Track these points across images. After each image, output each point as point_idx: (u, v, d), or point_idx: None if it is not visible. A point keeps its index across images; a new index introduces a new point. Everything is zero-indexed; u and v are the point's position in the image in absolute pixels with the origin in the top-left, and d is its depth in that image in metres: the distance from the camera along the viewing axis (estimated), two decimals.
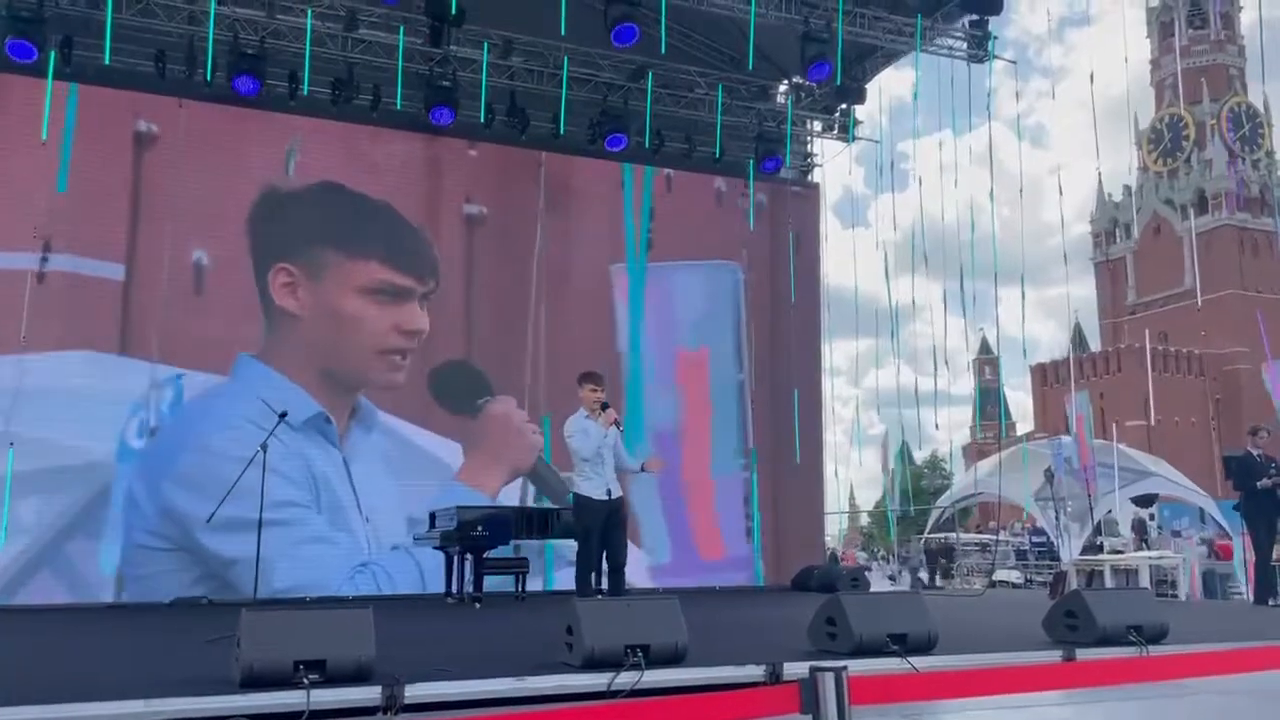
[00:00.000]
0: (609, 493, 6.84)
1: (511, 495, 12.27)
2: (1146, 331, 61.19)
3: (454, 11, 11.41)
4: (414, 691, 3.74)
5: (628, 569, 7.12)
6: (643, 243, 13.70)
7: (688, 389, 13.53)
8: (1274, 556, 10.16)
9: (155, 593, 10.53)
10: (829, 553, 26.75)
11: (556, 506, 10.97)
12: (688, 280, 13.85)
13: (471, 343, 12.68)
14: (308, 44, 11.68)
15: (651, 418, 13.03)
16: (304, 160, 12.21)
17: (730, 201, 14.42)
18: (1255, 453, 10.01)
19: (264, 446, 8.69)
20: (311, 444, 11.41)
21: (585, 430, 6.83)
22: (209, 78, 11.49)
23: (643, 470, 7.27)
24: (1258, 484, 9.76)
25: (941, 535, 26.53)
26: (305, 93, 11.90)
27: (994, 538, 27.77)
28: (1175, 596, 12.95)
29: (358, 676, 3.84)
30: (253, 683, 3.71)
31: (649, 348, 13.41)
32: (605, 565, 7.07)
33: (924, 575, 22.90)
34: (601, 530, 6.88)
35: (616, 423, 6.89)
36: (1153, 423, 47.45)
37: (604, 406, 6.89)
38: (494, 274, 12.88)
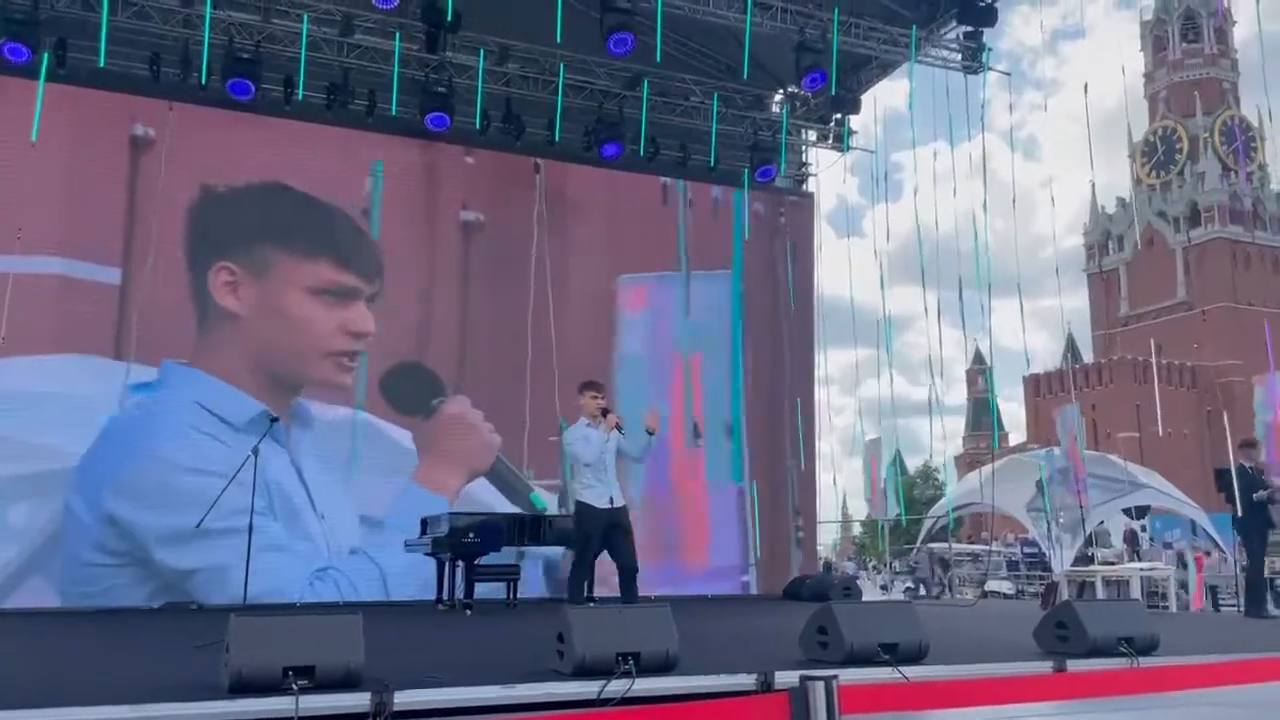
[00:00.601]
0: (611, 500, 6.86)
1: (476, 494, 12.09)
2: (1152, 341, 61.24)
3: (450, 18, 11.41)
4: (403, 698, 3.72)
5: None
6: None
7: (681, 396, 13.53)
8: (1266, 569, 10.20)
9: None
10: (823, 562, 26.67)
11: (551, 513, 10.98)
12: (684, 289, 13.85)
13: (466, 346, 12.65)
14: (303, 49, 11.68)
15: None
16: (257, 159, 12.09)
17: (725, 210, 14.44)
18: (1248, 465, 10.03)
19: (255, 451, 8.66)
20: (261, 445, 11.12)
21: (586, 437, 6.88)
22: (204, 81, 11.49)
23: (650, 435, 7.09)
24: (1254, 496, 9.78)
25: (944, 545, 26.26)
26: (300, 97, 11.90)
27: (986, 548, 27.79)
28: (1166, 608, 12.96)
29: (347, 683, 3.82)
30: (241, 688, 3.69)
31: (645, 354, 13.42)
32: (610, 574, 7.04)
33: (936, 585, 22.25)
34: (604, 537, 6.89)
35: (619, 426, 6.90)
36: (1162, 433, 47.55)
37: (604, 413, 6.91)
38: (491, 280, 12.88)
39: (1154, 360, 57.39)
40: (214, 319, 11.44)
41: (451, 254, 12.86)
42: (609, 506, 6.84)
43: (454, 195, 12.98)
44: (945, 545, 24.83)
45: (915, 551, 26.44)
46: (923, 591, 21.34)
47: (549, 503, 12.37)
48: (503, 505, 11.98)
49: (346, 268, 12.03)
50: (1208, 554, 18.50)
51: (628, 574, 6.88)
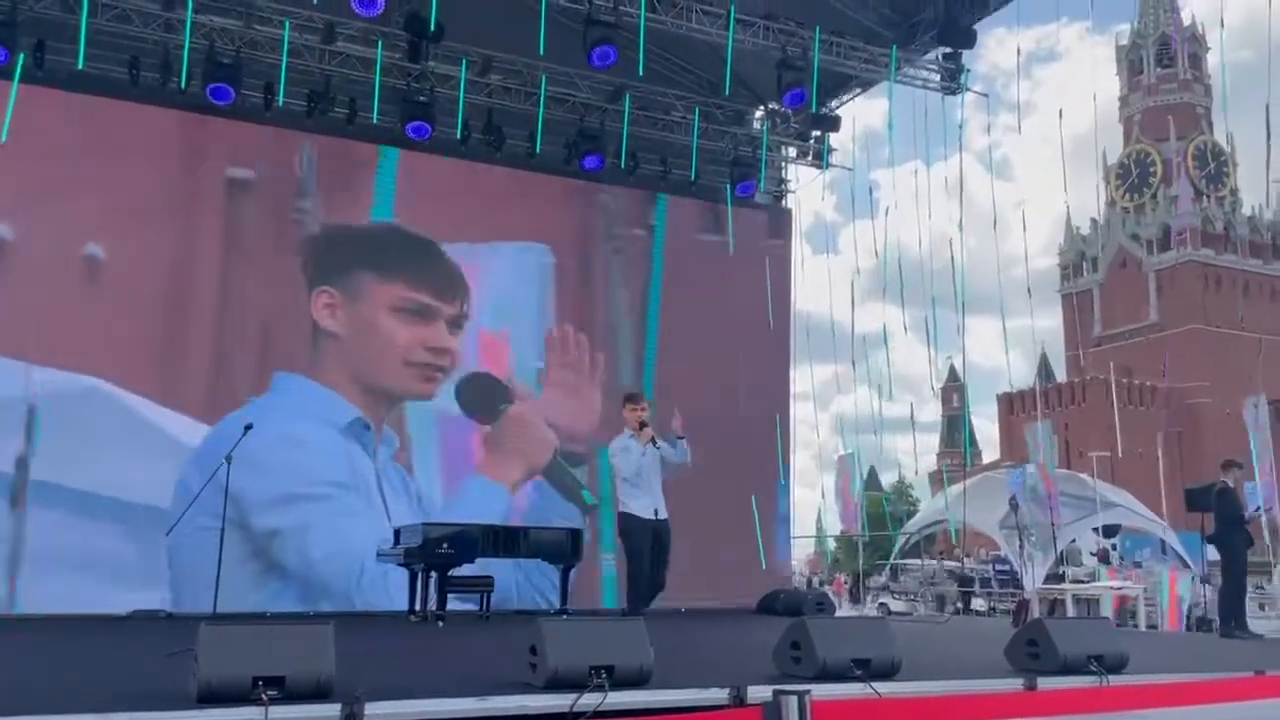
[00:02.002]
0: (655, 512, 6.71)
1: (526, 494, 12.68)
2: (1111, 364, 61.95)
3: (433, 28, 11.42)
4: (374, 710, 3.69)
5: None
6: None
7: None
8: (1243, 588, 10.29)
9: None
10: (807, 580, 26.57)
11: (529, 525, 10.97)
12: (492, 262, 13.28)
13: None
14: (284, 55, 11.64)
15: (443, 402, 12.64)
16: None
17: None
18: (1231, 485, 10.13)
19: (228, 458, 8.60)
20: (352, 443, 11.96)
21: (626, 449, 6.74)
22: (184, 86, 11.43)
23: (680, 439, 7.00)
24: (1245, 515, 9.88)
25: (957, 563, 25.76)
26: (281, 104, 11.86)
27: (958, 564, 27.93)
28: (1136, 626, 13.07)
29: (317, 694, 3.78)
30: (210, 698, 3.65)
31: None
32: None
33: (952, 603, 21.40)
34: (651, 547, 6.74)
35: (654, 440, 6.78)
36: (1123, 453, 47.96)
37: (642, 425, 6.76)
38: None
39: (1112, 380, 57.82)
40: (319, 338, 12.30)
41: None
42: (653, 518, 6.69)
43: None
44: (958, 564, 24.31)
45: (935, 565, 25.79)
46: (939, 609, 20.51)
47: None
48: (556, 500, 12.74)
49: (422, 289, 12.69)
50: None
51: (650, 588, 6.81)
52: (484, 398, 12.82)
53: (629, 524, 6.73)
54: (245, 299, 11.93)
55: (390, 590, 10.80)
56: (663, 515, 6.75)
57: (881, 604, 24.15)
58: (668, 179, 14.26)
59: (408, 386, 12.46)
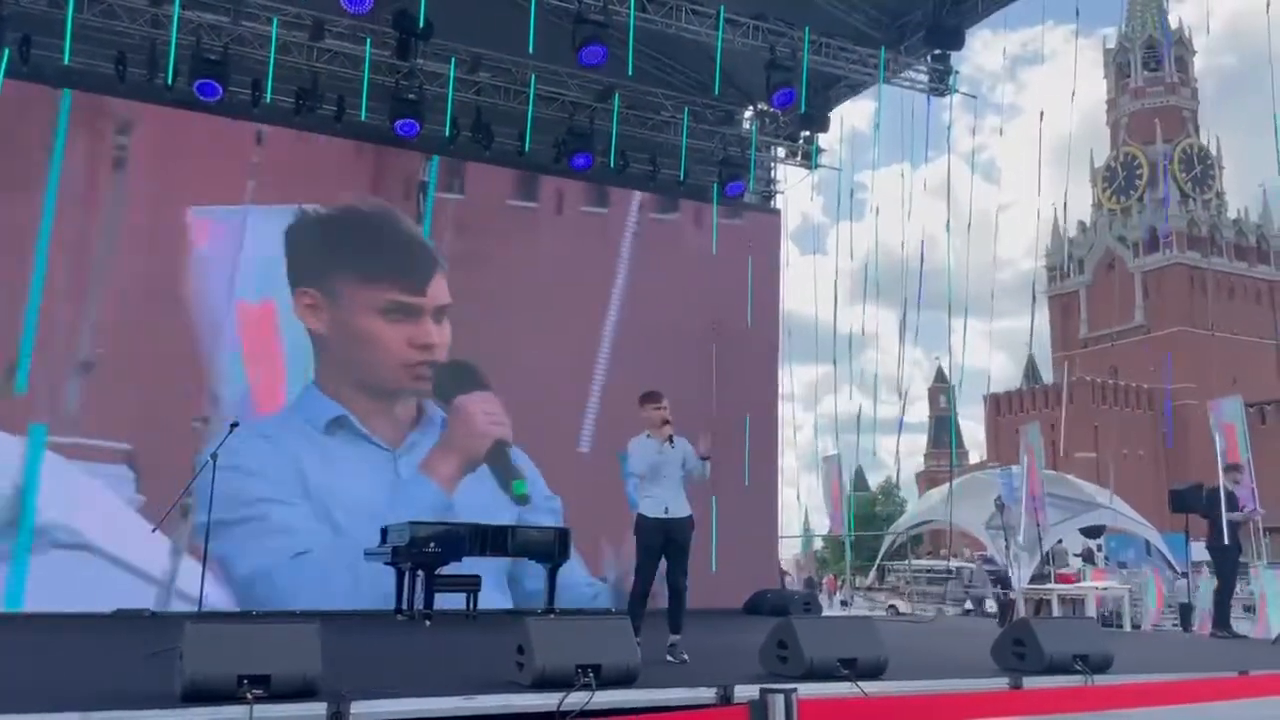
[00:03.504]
0: (666, 510, 6.52)
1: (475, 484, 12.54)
2: (1089, 372, 62.10)
3: (422, 25, 11.39)
4: (360, 709, 3.68)
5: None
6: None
7: (248, 346, 12.15)
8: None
9: None
10: (805, 579, 26.31)
11: (516, 524, 10.97)
12: (253, 227, 12.26)
13: None
14: (272, 52, 11.59)
15: (217, 383, 11.74)
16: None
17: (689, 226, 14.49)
18: (1232, 489, 10.16)
19: (214, 456, 8.55)
20: (336, 441, 11.99)
21: (641, 448, 6.58)
22: (170, 82, 11.37)
23: (707, 460, 6.91)
24: (1230, 517, 9.91)
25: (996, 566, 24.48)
26: (269, 100, 11.81)
27: (945, 564, 28.02)
28: (1120, 627, 13.11)
29: (303, 692, 3.77)
30: (194, 696, 3.64)
31: (209, 299, 12.00)
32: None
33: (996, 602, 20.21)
34: (661, 550, 6.60)
35: (671, 438, 6.63)
36: (1108, 454, 48.18)
37: (664, 423, 6.64)
38: None
39: (1095, 381, 58.05)
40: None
41: None
42: (663, 516, 6.53)
43: None
44: (996, 564, 22.93)
45: (971, 568, 24.74)
46: (979, 608, 19.57)
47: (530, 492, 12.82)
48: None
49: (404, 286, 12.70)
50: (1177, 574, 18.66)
51: (672, 594, 6.55)
52: (453, 385, 12.74)
53: (639, 523, 6.61)
54: None
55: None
56: (675, 513, 6.57)
57: (891, 605, 23.67)
58: (657, 178, 14.25)
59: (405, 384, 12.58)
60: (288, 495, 11.60)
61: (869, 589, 31.71)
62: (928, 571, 28.52)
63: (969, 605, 20.59)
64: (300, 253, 12.30)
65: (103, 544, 10.71)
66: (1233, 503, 10.04)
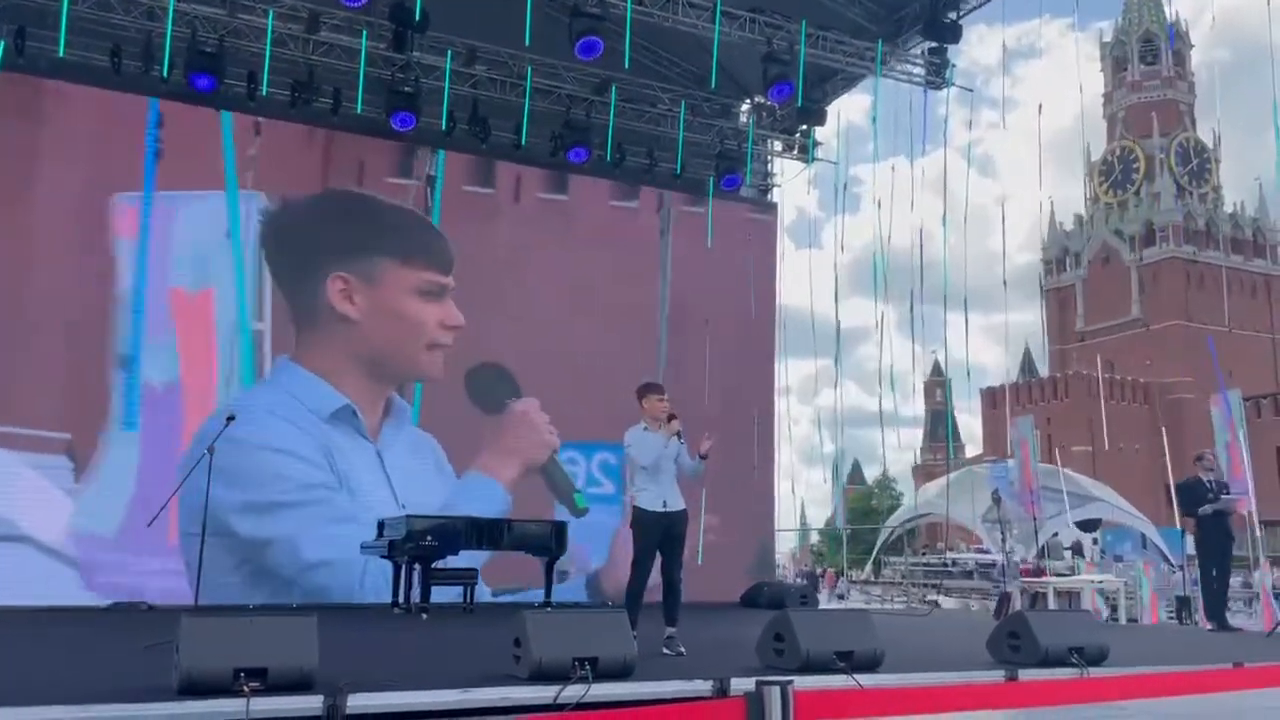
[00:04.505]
0: (664, 504, 6.54)
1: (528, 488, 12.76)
2: (1100, 357, 62.15)
3: (418, 17, 11.36)
4: (357, 702, 3.68)
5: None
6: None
7: (185, 338, 11.76)
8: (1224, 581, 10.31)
9: None
10: (805, 572, 26.34)
11: (513, 518, 10.99)
12: (190, 213, 11.86)
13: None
14: (268, 44, 11.55)
15: (148, 370, 11.41)
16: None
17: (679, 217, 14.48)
18: (1206, 479, 10.15)
19: (210, 450, 8.54)
20: (339, 434, 11.92)
21: (645, 440, 6.57)
22: (165, 74, 11.34)
23: (704, 459, 6.90)
24: (1199, 511, 9.91)
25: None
26: (265, 93, 11.77)
27: (941, 557, 28.09)
28: (1116, 619, 13.16)
29: (300, 685, 3.77)
30: (191, 690, 3.64)
31: (146, 289, 11.62)
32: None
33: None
34: (660, 544, 6.60)
35: (679, 434, 6.63)
36: (1108, 448, 48.24)
37: (671, 417, 6.63)
38: None
39: (1100, 376, 58.10)
40: (323, 321, 12.19)
41: None
42: (662, 510, 6.55)
43: None
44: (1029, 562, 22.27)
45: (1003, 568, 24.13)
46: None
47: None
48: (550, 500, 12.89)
49: (436, 267, 12.80)
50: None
51: (668, 588, 6.57)
52: (490, 389, 12.84)
53: (637, 517, 6.62)
54: None
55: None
56: (673, 507, 6.60)
57: (932, 601, 23.25)
58: (653, 172, 14.23)
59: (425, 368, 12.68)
60: (336, 484, 11.72)
61: (865, 582, 31.69)
62: (951, 565, 27.68)
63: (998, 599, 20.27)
64: (293, 242, 12.31)
65: (39, 535, 10.58)
66: (1212, 491, 10.01)
